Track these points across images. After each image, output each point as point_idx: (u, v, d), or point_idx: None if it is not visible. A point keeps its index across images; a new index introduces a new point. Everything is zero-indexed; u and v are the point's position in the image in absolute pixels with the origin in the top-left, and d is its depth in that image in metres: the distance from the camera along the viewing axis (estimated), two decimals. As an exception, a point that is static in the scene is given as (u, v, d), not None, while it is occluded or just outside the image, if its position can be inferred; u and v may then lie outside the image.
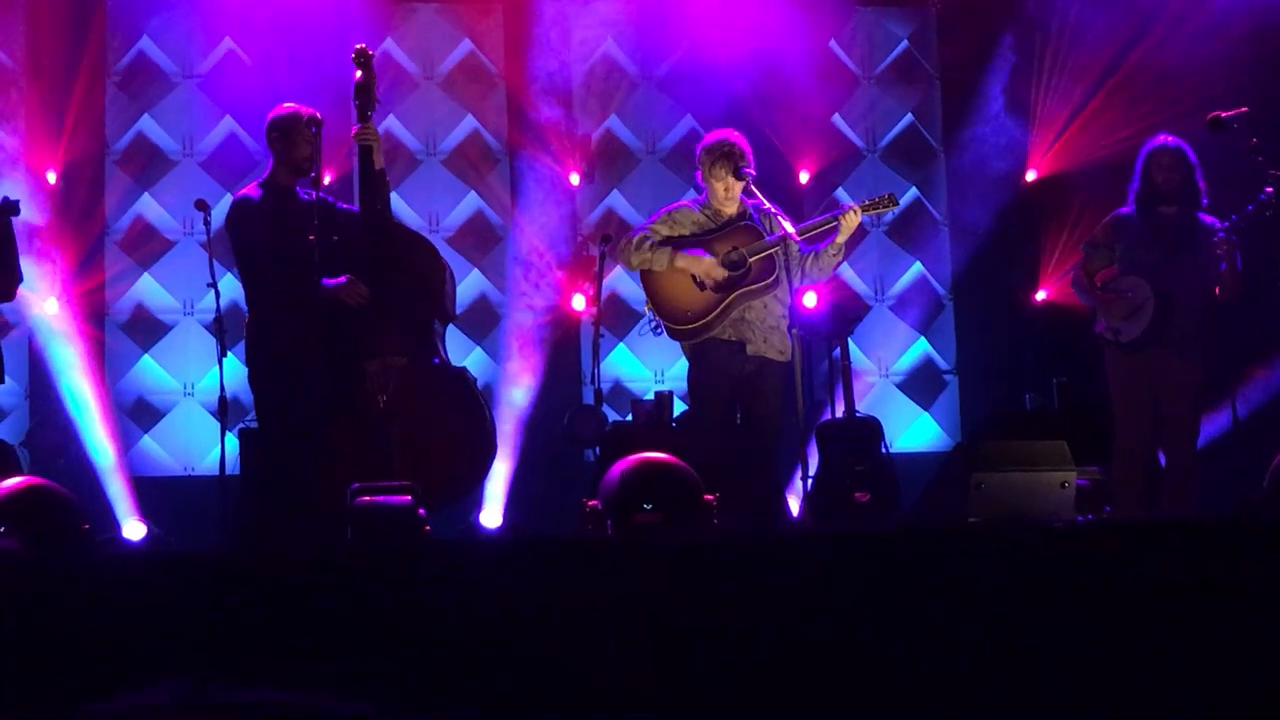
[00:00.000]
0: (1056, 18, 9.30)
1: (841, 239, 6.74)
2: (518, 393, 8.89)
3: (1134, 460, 7.14)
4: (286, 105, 6.93)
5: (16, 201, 6.71)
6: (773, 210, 6.70)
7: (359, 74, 6.86)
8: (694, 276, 6.78)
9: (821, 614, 4.53)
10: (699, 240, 6.85)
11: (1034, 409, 8.71)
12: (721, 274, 6.74)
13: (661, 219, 6.93)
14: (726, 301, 6.74)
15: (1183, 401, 7.11)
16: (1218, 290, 7.07)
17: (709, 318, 6.74)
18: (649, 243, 6.82)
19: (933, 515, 8.43)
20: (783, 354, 6.83)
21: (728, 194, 6.83)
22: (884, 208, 6.95)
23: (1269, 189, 6.84)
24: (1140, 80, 8.86)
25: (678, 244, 6.82)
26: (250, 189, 6.99)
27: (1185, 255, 7.11)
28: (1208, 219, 7.16)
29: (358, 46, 6.97)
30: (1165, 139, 7.28)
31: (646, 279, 6.90)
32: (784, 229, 6.63)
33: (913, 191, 9.67)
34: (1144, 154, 7.26)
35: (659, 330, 6.93)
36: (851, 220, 6.70)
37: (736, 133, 6.96)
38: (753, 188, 6.80)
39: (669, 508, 5.95)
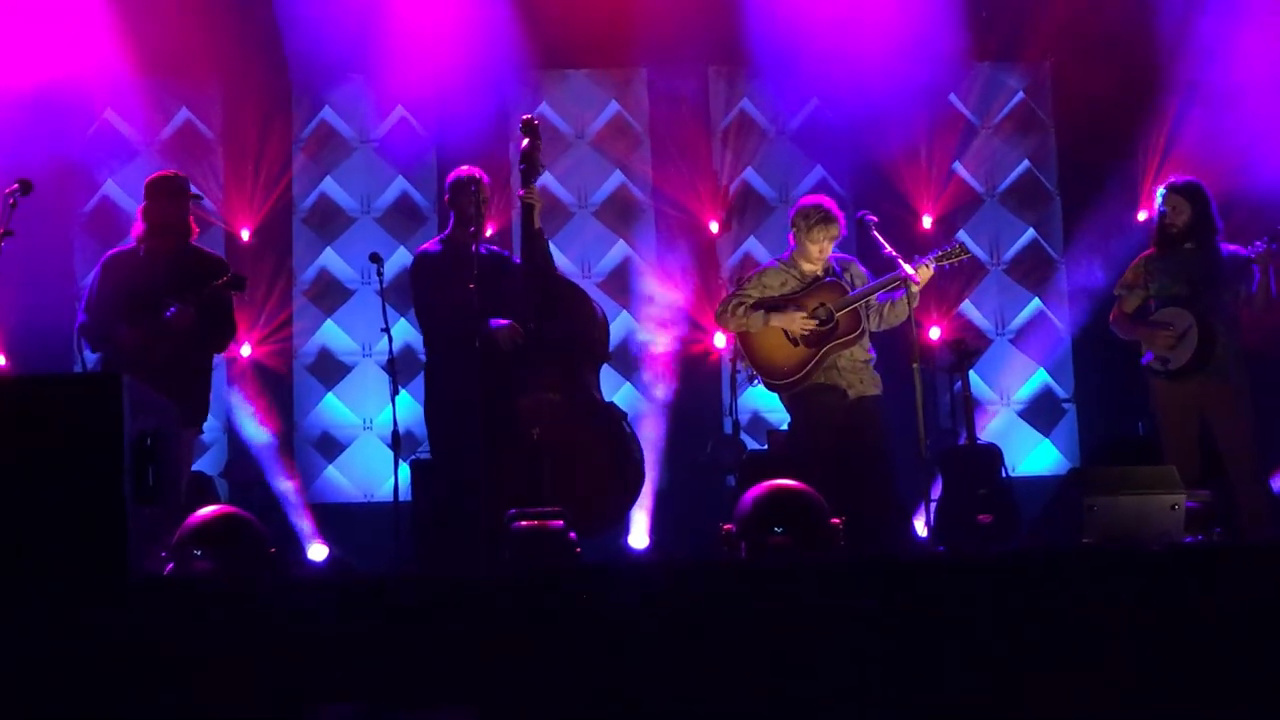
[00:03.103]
0: (1163, 63, 9.05)
1: (916, 288, 6.66)
2: (662, 423, 8.88)
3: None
4: (462, 169, 7.01)
5: (245, 279, 6.81)
6: (891, 254, 6.62)
7: (525, 142, 6.88)
8: (786, 332, 6.78)
9: (938, 629, 4.49)
10: (789, 299, 6.87)
11: (1147, 434, 8.47)
12: (811, 324, 6.74)
13: (752, 282, 6.97)
14: (819, 356, 6.76)
15: (1237, 424, 6.91)
16: (1246, 313, 6.95)
17: (805, 371, 6.76)
18: (743, 307, 6.86)
19: (1048, 536, 8.23)
20: (877, 387, 6.88)
21: (821, 254, 6.83)
22: (956, 258, 6.80)
23: None
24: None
25: (769, 304, 6.83)
26: (431, 244, 7.13)
27: (1214, 286, 6.94)
28: (1229, 248, 7.01)
29: (524, 117, 7.00)
30: (1175, 179, 7.14)
31: (743, 338, 6.93)
32: (904, 270, 6.57)
33: (1030, 232, 9.61)
34: (1159, 196, 7.12)
35: (756, 381, 6.95)
36: (924, 273, 6.65)
37: (828, 198, 6.98)
38: (875, 233, 6.75)
39: (798, 531, 5.80)
